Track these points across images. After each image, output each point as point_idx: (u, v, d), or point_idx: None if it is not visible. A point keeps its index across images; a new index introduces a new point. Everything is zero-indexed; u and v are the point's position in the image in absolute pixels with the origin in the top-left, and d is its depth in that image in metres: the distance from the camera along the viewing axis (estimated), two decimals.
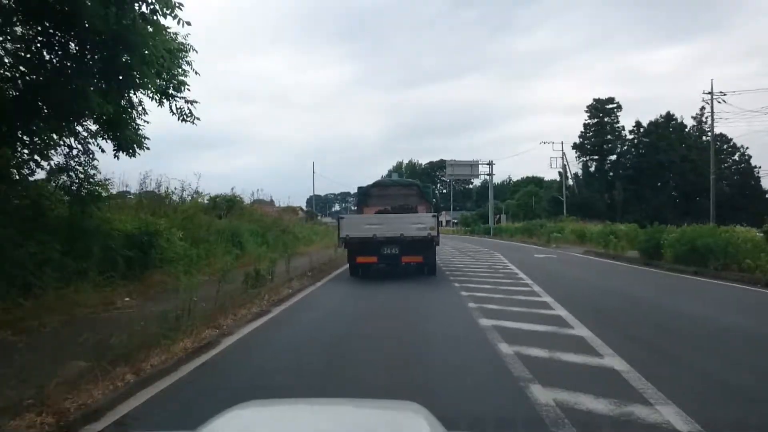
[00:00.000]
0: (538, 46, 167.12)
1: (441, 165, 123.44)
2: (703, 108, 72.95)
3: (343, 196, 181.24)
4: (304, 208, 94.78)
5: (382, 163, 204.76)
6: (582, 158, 66.92)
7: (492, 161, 47.75)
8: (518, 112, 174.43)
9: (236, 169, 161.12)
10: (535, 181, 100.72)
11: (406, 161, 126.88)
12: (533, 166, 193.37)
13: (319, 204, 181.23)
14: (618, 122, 66.01)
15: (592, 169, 67.33)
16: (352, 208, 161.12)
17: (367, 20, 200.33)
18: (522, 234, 42.11)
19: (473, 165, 47.63)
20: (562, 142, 62.61)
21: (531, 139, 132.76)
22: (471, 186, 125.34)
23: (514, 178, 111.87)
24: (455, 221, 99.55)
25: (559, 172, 66.24)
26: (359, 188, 19.50)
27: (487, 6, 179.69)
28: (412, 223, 14.84)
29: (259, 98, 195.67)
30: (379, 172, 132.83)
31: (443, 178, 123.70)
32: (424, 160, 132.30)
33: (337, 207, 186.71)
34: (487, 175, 48.92)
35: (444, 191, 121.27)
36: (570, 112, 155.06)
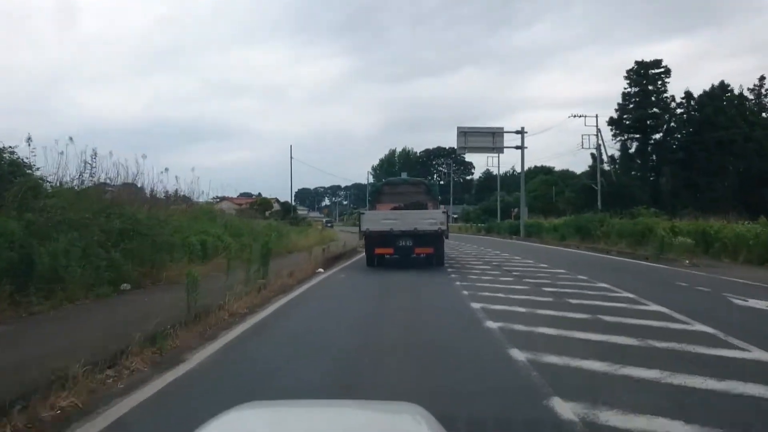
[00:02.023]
0: (537, 40, 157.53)
1: (438, 153, 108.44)
2: (763, 78, 58.52)
3: (334, 190, 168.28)
4: (280, 200, 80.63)
5: (377, 156, 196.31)
6: (620, 137, 52.12)
7: (524, 128, 32.78)
8: (517, 107, 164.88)
9: (229, 163, 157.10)
10: (545, 171, 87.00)
11: (399, 149, 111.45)
12: (538, 156, 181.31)
13: (308, 197, 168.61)
14: (665, 91, 51.23)
15: (632, 150, 52.59)
16: (344, 202, 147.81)
17: (363, 13, 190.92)
18: (575, 235, 27.26)
19: (496, 134, 32.46)
20: (596, 116, 47.77)
21: (531, 133, 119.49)
22: (471, 177, 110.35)
23: (519, 169, 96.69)
24: (455, 216, 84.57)
25: (592, 154, 51.42)
26: (372, 185, 16.01)
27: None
28: (424, 218, 15.45)
29: (253, 92, 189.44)
30: (372, 165, 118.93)
31: (441, 168, 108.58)
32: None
33: (327, 201, 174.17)
34: (515, 147, 33.73)
35: (441, 183, 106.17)
36: (569, 107, 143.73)
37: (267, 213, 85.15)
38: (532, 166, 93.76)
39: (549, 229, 30.46)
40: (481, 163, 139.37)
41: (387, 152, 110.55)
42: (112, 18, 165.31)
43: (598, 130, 48.76)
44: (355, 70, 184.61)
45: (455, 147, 39.01)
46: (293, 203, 79.33)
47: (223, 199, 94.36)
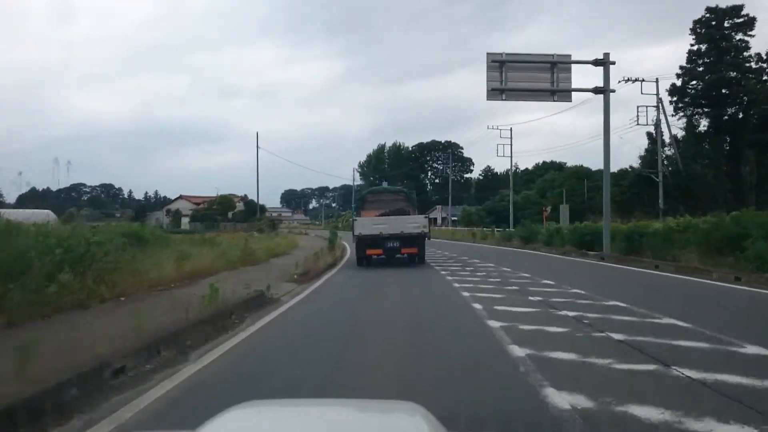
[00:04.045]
0: (531, 42, 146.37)
1: (432, 147, 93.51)
2: None
3: (322, 191, 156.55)
4: (262, 202, 66.22)
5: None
6: (684, 111, 37.74)
7: (608, 55, 17.84)
8: (513, 108, 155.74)
9: (221, 165, 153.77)
10: (555, 167, 73.52)
11: (390, 144, 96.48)
12: (537, 154, 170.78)
13: (294, 198, 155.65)
14: (747, 49, 36.93)
15: (702, 127, 38.22)
16: (332, 205, 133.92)
17: (357, 14, 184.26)
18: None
19: (559, 65, 16.74)
20: (657, 79, 33.43)
21: (527, 135, 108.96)
22: (470, 175, 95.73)
23: (522, 166, 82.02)
24: (454, 218, 70.18)
25: (649, 134, 37.11)
26: (357, 194, 24.22)
27: (480, 1, 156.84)
28: (409, 222, 17.49)
29: (245, 93, 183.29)
30: (359, 161, 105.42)
31: (435, 165, 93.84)
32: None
33: (314, 203, 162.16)
34: (593, 90, 18.44)
35: (437, 180, 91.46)
36: (566, 107, 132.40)
37: (230, 214, 70.01)
38: (540, 161, 79.73)
39: (685, 241, 14.66)
40: (480, 161, 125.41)
41: (376, 147, 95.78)
42: (101, 18, 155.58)
43: (659, 101, 34.22)
44: (348, 72, 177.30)
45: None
46: (252, 201, 64.53)
47: (179, 197, 78.21)
